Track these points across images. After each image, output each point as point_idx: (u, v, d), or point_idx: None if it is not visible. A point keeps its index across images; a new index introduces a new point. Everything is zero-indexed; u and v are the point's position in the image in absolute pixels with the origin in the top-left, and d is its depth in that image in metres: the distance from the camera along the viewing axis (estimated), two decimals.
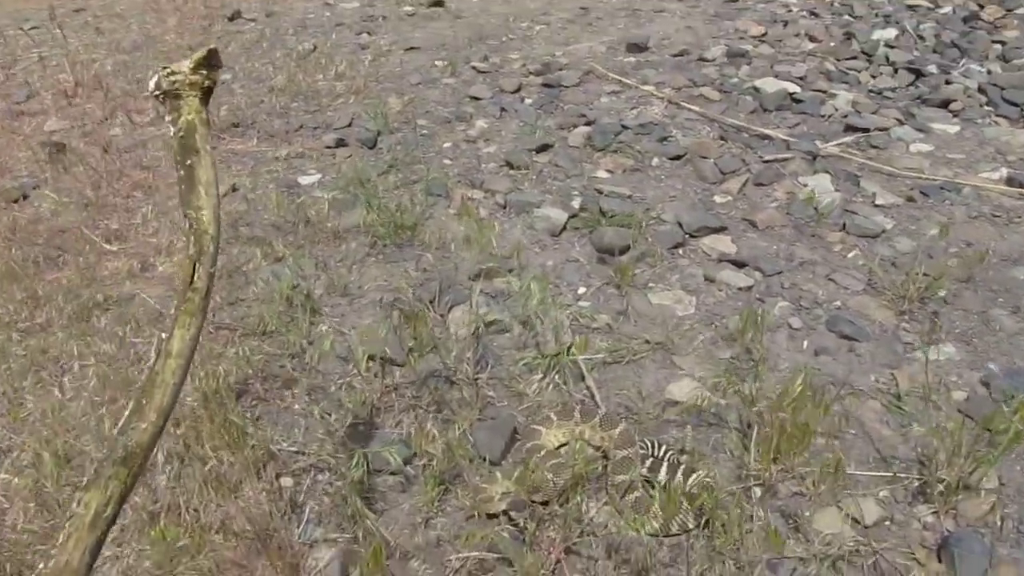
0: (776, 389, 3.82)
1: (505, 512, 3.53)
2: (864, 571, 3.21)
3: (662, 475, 3.56)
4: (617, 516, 3.49)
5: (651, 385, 4.16)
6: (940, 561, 3.23)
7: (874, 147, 6.44)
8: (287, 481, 3.82)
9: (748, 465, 3.57)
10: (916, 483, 3.53)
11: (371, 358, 4.23)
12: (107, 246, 5.80)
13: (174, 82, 2.54)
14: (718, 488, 3.37)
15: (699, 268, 5.06)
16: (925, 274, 4.67)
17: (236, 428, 3.80)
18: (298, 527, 3.59)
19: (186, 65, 2.54)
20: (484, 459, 3.77)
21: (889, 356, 4.25)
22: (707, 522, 3.34)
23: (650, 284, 4.93)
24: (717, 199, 5.83)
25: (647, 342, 4.42)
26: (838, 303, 4.67)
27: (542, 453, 3.67)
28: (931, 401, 3.89)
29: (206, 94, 2.63)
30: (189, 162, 2.52)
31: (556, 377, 4.18)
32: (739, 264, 5.05)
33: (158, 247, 5.72)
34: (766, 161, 6.22)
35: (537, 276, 4.64)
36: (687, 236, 5.35)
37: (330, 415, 4.10)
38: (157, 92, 2.55)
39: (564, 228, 5.53)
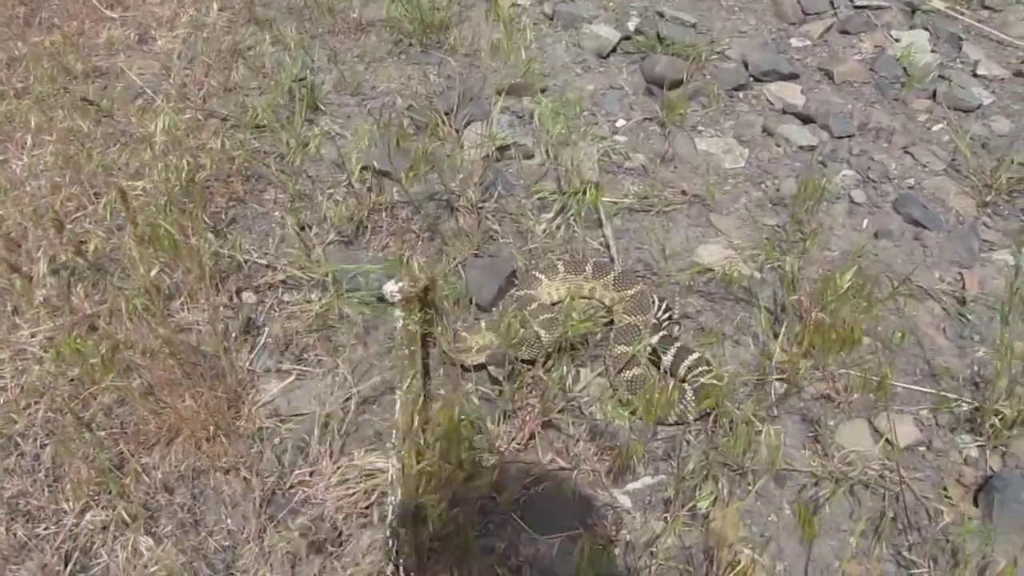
0: (822, 272, 3.24)
1: (483, 366, 3.04)
2: (885, 501, 2.71)
3: (669, 357, 3.03)
4: (610, 393, 2.99)
5: (679, 243, 3.59)
6: (976, 504, 2.73)
7: (987, 8, 5.54)
8: (249, 297, 3.38)
9: (774, 355, 3.02)
10: (966, 408, 2.98)
11: (365, 169, 3.68)
12: (107, 12, 5.21)
13: (411, 291, 2.99)
14: (728, 383, 2.82)
15: (759, 117, 4.38)
16: (1021, 164, 3.97)
17: (199, 231, 3.30)
18: (251, 352, 3.14)
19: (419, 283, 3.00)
20: (471, 302, 3.25)
21: (961, 253, 3.61)
22: (713, 416, 2.84)
23: (699, 127, 4.27)
24: (794, 42, 5.05)
25: (684, 193, 3.82)
26: (911, 181, 3.99)
27: (534, 305, 3.14)
28: (1003, 314, 3.28)
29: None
30: (413, 349, 2.98)
31: (572, 219, 3.60)
32: (805, 119, 4.36)
33: (161, 18, 5.12)
34: (858, 7, 5.38)
35: (571, 99, 3.99)
36: (751, 79, 4.64)
37: (311, 228, 3.59)
38: (398, 295, 3.00)
39: (614, 50, 4.83)
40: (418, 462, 2.48)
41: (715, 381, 2.86)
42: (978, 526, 2.63)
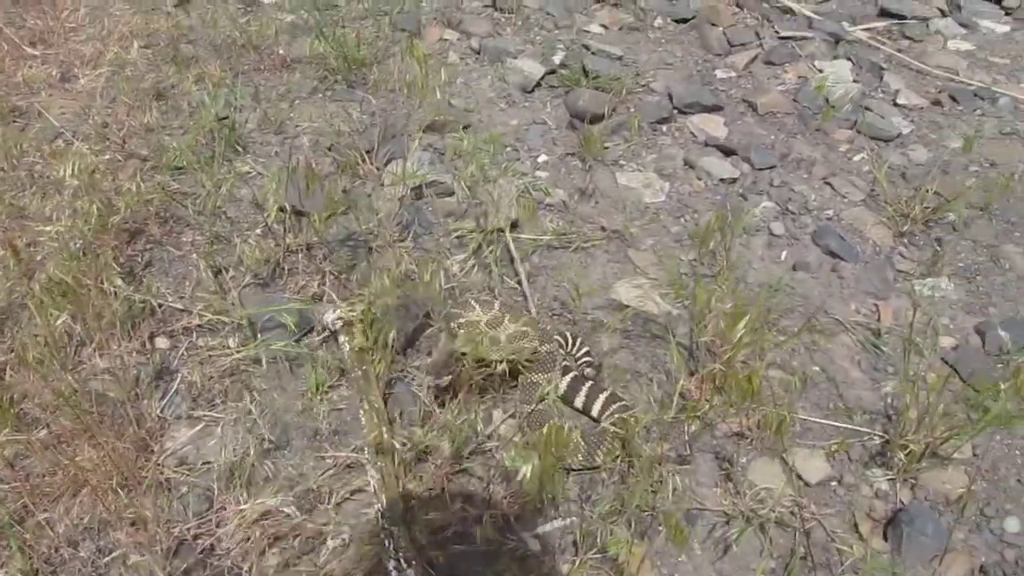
0: (734, 308, 3.25)
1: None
2: (795, 538, 2.70)
3: (581, 397, 3.02)
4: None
5: (596, 280, 3.58)
6: (885, 539, 2.73)
7: (908, 38, 5.66)
8: (163, 342, 3.32)
9: (686, 393, 3.01)
10: (877, 441, 2.99)
11: (283, 209, 3.64)
12: (28, 49, 5.13)
13: (350, 315, 3.21)
14: (639, 423, 2.80)
15: (681, 150, 4.40)
16: (936, 193, 4.02)
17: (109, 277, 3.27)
18: (162, 399, 3.08)
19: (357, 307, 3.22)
20: (386, 344, 3.22)
21: (877, 284, 3.65)
22: (625, 457, 2.82)
23: (621, 161, 4.28)
24: (719, 73, 5.10)
25: (603, 228, 3.81)
26: (830, 212, 4.03)
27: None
28: (914, 345, 3.31)
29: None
30: (365, 368, 3.07)
31: (489, 256, 3.58)
32: (727, 151, 4.38)
33: (84, 56, 5.04)
34: (782, 38, 5.45)
35: (494, 136, 4.00)
36: (675, 111, 4.67)
37: (227, 270, 3.54)
38: (338, 322, 3.21)
39: (539, 85, 4.84)
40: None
41: (629, 419, 2.84)
42: (886, 561, 2.64)
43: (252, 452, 2.84)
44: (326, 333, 3.27)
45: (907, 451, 2.85)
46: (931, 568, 2.63)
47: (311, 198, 3.63)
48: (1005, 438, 3.03)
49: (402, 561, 2.53)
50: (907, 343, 2.97)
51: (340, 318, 3.20)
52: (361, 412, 2.97)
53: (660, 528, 2.67)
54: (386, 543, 2.58)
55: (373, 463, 2.79)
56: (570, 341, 3.24)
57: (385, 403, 3.01)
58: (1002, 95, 4.99)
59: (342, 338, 3.19)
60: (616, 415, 2.89)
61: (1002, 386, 2.74)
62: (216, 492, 2.77)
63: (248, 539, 2.63)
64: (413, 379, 3.13)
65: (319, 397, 3.08)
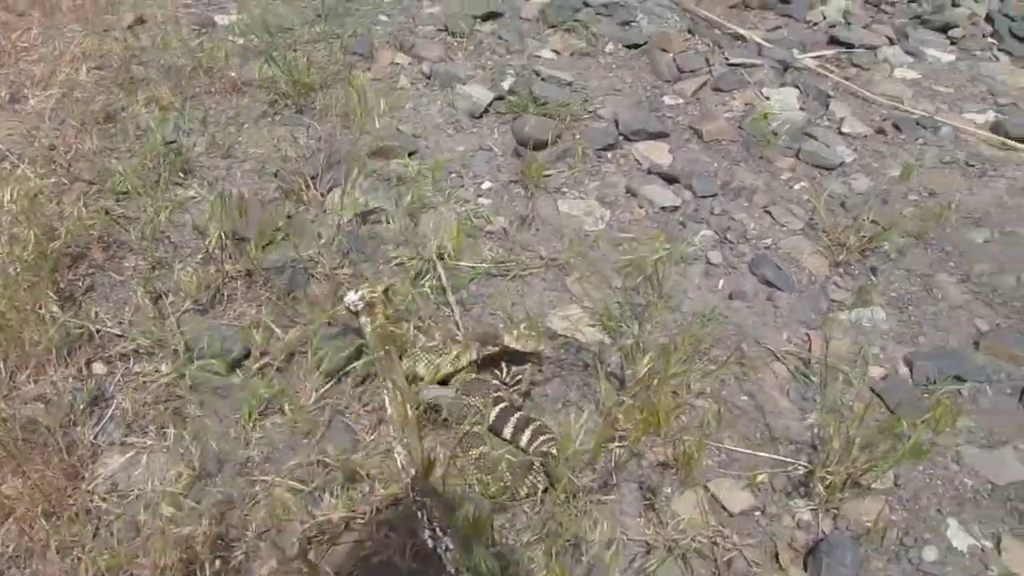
0: (670, 333, 3.31)
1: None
2: (716, 568, 2.74)
3: (509, 428, 3.05)
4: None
5: (533, 308, 3.60)
6: (805, 569, 2.77)
7: (856, 65, 5.75)
8: (100, 368, 3.31)
9: (618, 422, 3.04)
10: (802, 472, 3.03)
11: (225, 235, 3.65)
12: None
13: (372, 296, 3.25)
14: (566, 452, 2.83)
15: (624, 177, 4.44)
16: (874, 222, 4.08)
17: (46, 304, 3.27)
18: (97, 425, 3.08)
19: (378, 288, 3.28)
20: (319, 370, 3.24)
21: (810, 313, 3.70)
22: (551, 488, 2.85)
23: (563, 189, 4.32)
24: (667, 100, 5.16)
25: (541, 257, 3.85)
26: (768, 241, 4.09)
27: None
28: (843, 375, 3.37)
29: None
30: (387, 348, 3.14)
31: (427, 284, 3.60)
32: (670, 179, 4.43)
33: (35, 76, 5.02)
34: (732, 64, 5.52)
35: (437, 163, 4.03)
36: (621, 138, 4.72)
37: (167, 296, 3.55)
38: (360, 303, 3.23)
39: (487, 110, 4.88)
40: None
41: (554, 450, 2.87)
42: None
43: (182, 479, 2.85)
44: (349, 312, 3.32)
45: (828, 482, 2.89)
46: None
47: (250, 225, 3.65)
48: (928, 467, 3.08)
49: (437, 531, 2.60)
50: (823, 375, 3.01)
51: (362, 299, 3.23)
52: (385, 392, 3.06)
53: (583, 558, 2.70)
54: (419, 514, 2.65)
55: (400, 439, 2.91)
56: (504, 369, 3.27)
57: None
58: (944, 124, 5.08)
59: (363, 319, 3.24)
60: (543, 447, 2.93)
61: (917, 422, 2.79)
62: (143, 521, 2.77)
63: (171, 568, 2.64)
64: (347, 407, 3.15)
65: (251, 424, 3.08)
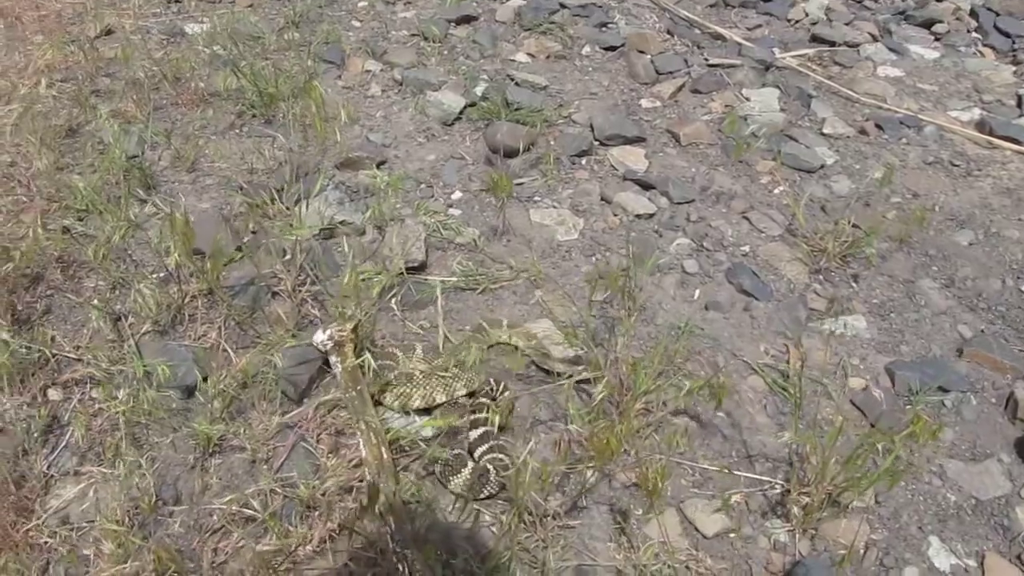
0: (644, 347, 3.20)
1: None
2: None
3: (480, 451, 2.96)
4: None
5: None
6: None
7: (838, 64, 5.64)
8: (55, 394, 3.21)
9: (589, 440, 2.93)
10: (778, 490, 2.92)
11: (184, 254, 3.53)
12: None
13: (341, 335, 3.12)
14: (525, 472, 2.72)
15: (598, 184, 4.33)
16: (855, 226, 3.98)
17: None
18: (52, 453, 2.98)
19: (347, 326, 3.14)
20: (281, 392, 3.14)
21: (788, 323, 3.59)
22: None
23: (536, 197, 4.21)
24: (644, 103, 5.05)
25: (511, 269, 3.73)
26: (746, 248, 3.97)
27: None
28: (821, 387, 3.26)
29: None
30: (359, 387, 3.01)
31: (395, 301, 3.50)
32: (646, 186, 4.32)
33: None
34: (711, 65, 5.41)
35: (398, 177, 3.92)
36: (596, 143, 4.61)
37: (126, 317, 3.44)
38: (329, 342, 3.13)
39: (459, 117, 4.77)
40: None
41: (506, 467, 2.79)
42: None
43: (138, 509, 2.76)
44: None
45: (805, 502, 2.79)
46: None
47: (221, 240, 3.54)
48: (910, 483, 2.98)
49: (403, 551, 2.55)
50: (799, 390, 2.89)
51: (331, 338, 3.12)
52: (359, 433, 2.91)
53: None
54: (400, 567, 2.55)
55: (377, 482, 2.74)
56: (494, 386, 3.17)
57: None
58: (928, 123, 4.97)
59: (333, 359, 3.13)
60: (491, 454, 2.89)
61: (896, 438, 2.68)
62: (92, 556, 2.67)
63: None
64: (306, 430, 3.04)
65: (210, 450, 2.98)
